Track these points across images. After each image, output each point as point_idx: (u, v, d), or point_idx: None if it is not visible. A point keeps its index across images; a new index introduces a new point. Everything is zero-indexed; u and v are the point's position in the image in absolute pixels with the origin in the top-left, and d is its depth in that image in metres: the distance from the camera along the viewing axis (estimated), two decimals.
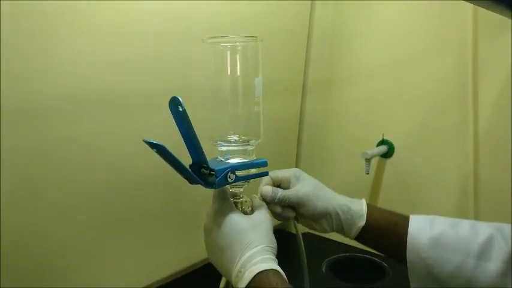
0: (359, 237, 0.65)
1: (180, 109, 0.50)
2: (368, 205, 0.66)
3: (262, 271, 0.51)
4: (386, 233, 0.64)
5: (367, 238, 0.65)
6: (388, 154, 1.12)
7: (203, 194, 0.63)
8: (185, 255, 0.93)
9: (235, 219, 0.57)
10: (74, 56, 0.66)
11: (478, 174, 0.99)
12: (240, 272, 0.52)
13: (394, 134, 1.12)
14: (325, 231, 0.67)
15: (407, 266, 0.62)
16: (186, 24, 0.80)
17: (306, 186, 0.65)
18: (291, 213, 0.66)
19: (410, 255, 0.61)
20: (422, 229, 0.61)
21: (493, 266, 0.57)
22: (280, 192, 0.64)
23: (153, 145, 0.49)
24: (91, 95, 0.69)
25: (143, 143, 0.50)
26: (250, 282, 0.51)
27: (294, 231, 0.70)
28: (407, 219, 0.63)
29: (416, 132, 1.09)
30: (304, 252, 0.68)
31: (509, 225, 0.59)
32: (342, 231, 0.66)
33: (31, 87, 0.62)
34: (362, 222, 0.64)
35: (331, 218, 0.65)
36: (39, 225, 0.67)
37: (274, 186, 0.66)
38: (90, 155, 0.71)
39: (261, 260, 0.52)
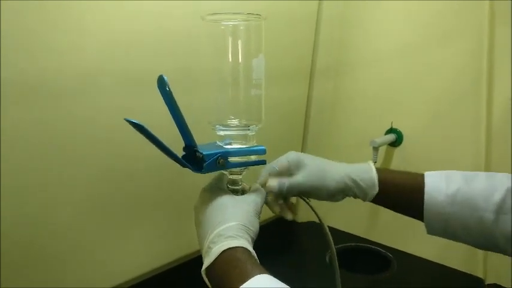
0: (375, 201, 0.64)
1: (167, 89, 0.48)
2: (378, 171, 0.63)
3: (230, 248, 0.48)
4: (401, 194, 0.63)
5: (383, 201, 0.64)
6: (396, 143, 1.10)
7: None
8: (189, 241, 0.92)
9: (219, 195, 0.55)
10: (82, 34, 0.65)
11: (490, 167, 0.96)
12: (209, 247, 0.49)
13: (403, 123, 1.09)
14: None
15: (425, 224, 0.61)
16: (193, 6, 0.78)
17: (310, 177, 0.62)
18: (289, 216, 0.65)
19: (427, 214, 0.60)
20: (438, 187, 0.59)
21: (510, 217, 0.55)
22: (287, 184, 0.62)
23: (133, 124, 0.46)
24: (98, 73, 0.68)
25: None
26: (217, 259, 0.48)
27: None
28: (422, 177, 0.61)
29: (426, 121, 1.06)
30: (335, 252, 0.66)
31: None
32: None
33: (38, 63, 0.61)
34: (374, 192, 0.63)
35: (342, 197, 0.64)
36: (40, 207, 0.66)
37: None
38: (95, 136, 0.70)
39: (232, 236, 0.49)
